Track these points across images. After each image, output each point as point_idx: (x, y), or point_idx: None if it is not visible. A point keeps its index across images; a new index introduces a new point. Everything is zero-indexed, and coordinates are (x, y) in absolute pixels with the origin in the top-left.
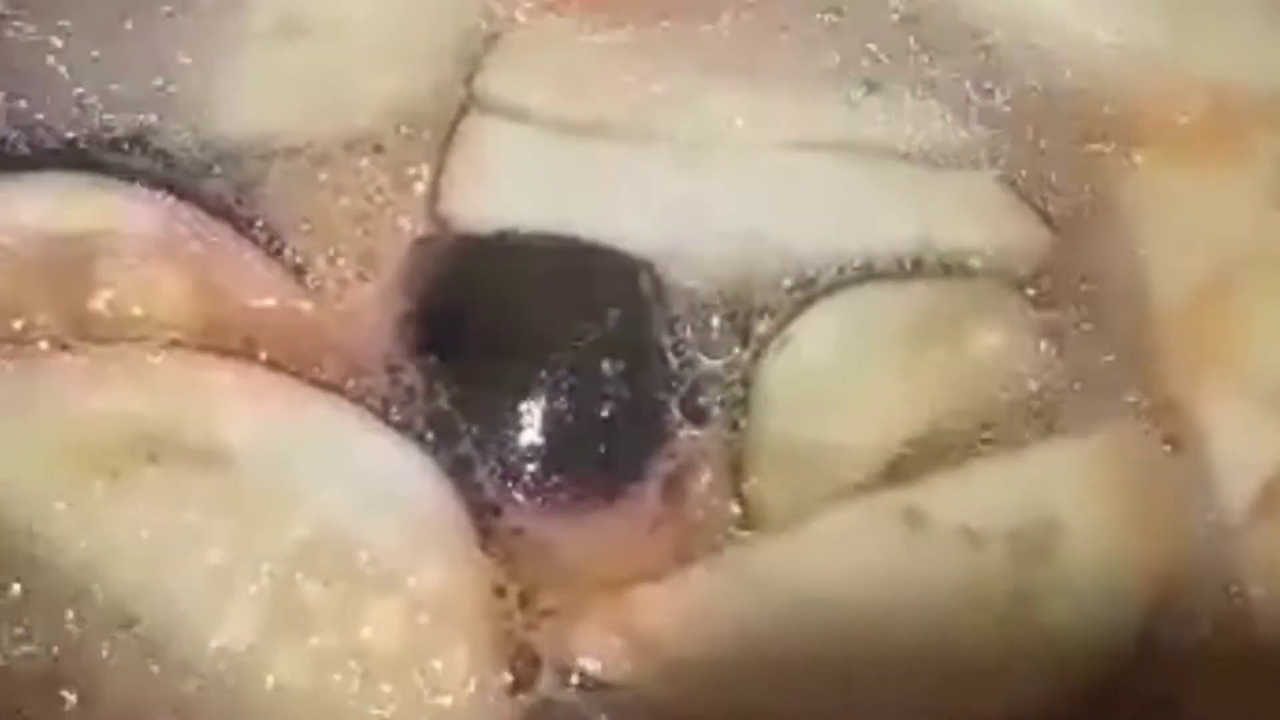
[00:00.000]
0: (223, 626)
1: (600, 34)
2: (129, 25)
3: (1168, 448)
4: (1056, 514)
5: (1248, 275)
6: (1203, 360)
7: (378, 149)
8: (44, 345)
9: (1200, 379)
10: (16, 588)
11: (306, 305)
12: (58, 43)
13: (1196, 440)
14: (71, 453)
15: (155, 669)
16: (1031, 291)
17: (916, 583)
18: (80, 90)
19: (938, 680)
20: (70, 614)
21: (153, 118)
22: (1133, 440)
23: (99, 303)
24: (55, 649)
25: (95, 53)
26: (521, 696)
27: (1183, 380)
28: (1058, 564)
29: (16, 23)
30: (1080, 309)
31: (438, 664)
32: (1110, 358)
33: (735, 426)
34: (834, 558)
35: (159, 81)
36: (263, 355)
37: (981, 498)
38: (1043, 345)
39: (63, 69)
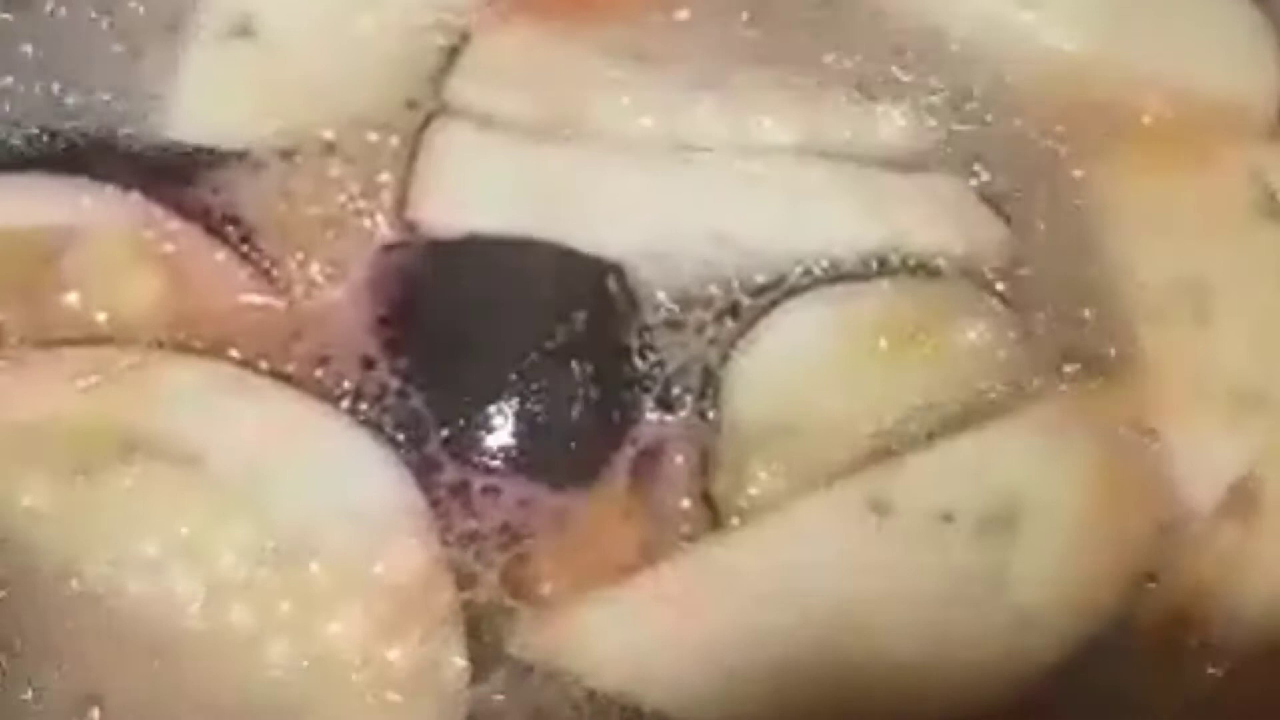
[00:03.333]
0: (192, 617)
1: (569, 39)
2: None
3: (1135, 431)
4: (1023, 491)
5: (1216, 284)
6: (1169, 362)
7: (347, 158)
8: (14, 343)
9: (1166, 381)
10: None
11: (277, 305)
12: (27, 38)
13: (1162, 438)
14: (44, 451)
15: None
16: (999, 288)
17: (888, 570)
18: (52, 88)
19: (917, 667)
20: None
21: (124, 118)
22: (1097, 416)
23: (66, 301)
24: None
25: (66, 50)
26: (482, 688)
27: (1149, 380)
28: (1027, 543)
29: None
30: (1047, 307)
31: (399, 656)
32: (1078, 352)
33: (704, 422)
34: (804, 550)
35: (129, 82)
36: (233, 353)
37: (945, 480)
38: (1011, 342)
39: (32, 65)
